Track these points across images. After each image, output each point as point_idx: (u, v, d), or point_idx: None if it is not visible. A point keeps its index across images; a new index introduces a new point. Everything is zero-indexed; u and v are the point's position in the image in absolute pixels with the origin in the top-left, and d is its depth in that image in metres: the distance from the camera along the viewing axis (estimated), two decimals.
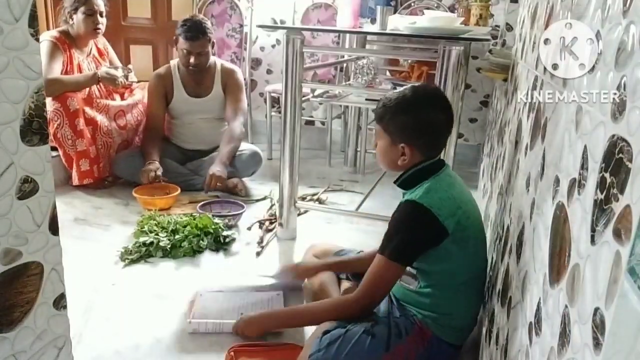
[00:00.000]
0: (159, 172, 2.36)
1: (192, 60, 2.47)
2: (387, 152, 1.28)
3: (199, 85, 2.60)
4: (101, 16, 2.50)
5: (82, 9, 2.42)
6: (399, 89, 1.29)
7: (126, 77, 2.58)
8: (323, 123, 3.47)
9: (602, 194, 0.51)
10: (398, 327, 1.23)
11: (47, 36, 2.39)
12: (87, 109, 2.43)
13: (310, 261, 1.63)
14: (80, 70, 2.50)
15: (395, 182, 1.31)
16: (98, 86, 2.59)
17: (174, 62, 2.61)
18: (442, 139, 1.28)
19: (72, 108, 2.35)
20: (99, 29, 2.51)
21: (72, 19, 2.44)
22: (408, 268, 1.26)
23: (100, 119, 2.50)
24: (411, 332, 1.22)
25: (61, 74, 2.41)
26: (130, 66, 2.66)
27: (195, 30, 2.42)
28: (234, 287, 1.61)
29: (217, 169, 2.32)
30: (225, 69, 2.63)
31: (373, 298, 1.23)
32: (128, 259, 1.82)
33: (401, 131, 1.25)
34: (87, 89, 2.50)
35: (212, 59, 2.61)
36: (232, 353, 1.29)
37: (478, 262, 1.29)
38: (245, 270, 1.80)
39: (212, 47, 2.56)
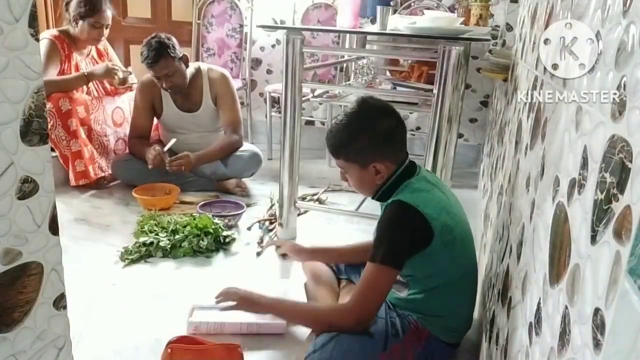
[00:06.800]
0: (165, 150, 2.37)
1: (163, 84, 2.37)
2: (362, 179, 1.29)
3: (187, 99, 2.50)
4: (106, 28, 2.50)
5: (90, 19, 2.41)
6: (336, 120, 1.30)
7: (125, 79, 2.57)
8: (323, 123, 3.47)
9: (602, 194, 0.51)
10: (395, 326, 1.23)
11: (47, 34, 2.39)
12: (80, 109, 2.41)
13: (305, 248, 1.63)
14: (77, 71, 2.49)
15: (373, 198, 1.32)
16: (96, 86, 2.59)
17: None
18: (401, 139, 1.29)
19: (64, 109, 2.34)
20: (101, 39, 2.53)
21: (77, 24, 2.43)
22: (398, 277, 1.26)
23: (94, 117, 2.48)
24: (408, 331, 1.23)
25: (58, 74, 2.41)
26: (129, 68, 2.65)
27: (153, 56, 2.28)
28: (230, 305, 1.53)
29: (191, 156, 2.35)
30: (213, 76, 2.51)
31: (368, 308, 1.19)
32: (128, 259, 1.82)
33: (363, 154, 1.25)
34: (85, 87, 2.49)
35: (196, 65, 2.51)
36: (169, 349, 1.25)
37: (466, 262, 1.28)
38: (244, 271, 1.80)
39: (184, 61, 2.41)
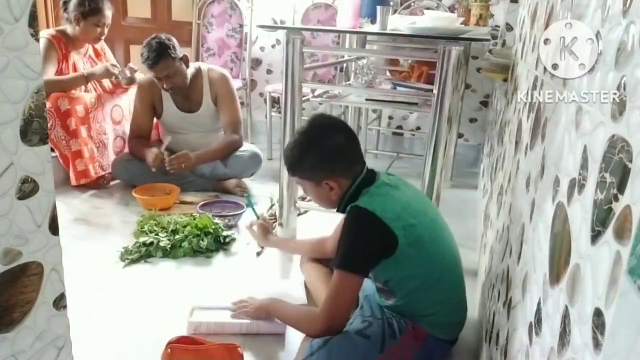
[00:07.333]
0: (162, 149, 2.38)
1: (164, 85, 2.38)
2: (318, 195, 1.32)
3: (187, 99, 2.51)
4: (106, 27, 2.51)
5: (92, 19, 2.42)
6: (291, 138, 1.33)
7: (133, 78, 2.58)
8: None
9: (602, 194, 0.51)
10: (392, 327, 1.23)
11: (45, 34, 2.39)
12: (79, 108, 2.40)
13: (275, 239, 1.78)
14: (75, 70, 2.50)
15: (337, 211, 1.33)
16: (94, 84, 2.59)
17: None
18: (354, 154, 1.29)
19: (63, 108, 2.34)
20: (101, 39, 2.54)
21: (78, 24, 2.43)
22: (380, 285, 1.26)
23: (93, 116, 2.48)
24: (405, 332, 1.22)
25: (56, 73, 2.41)
26: (131, 64, 2.66)
27: (153, 57, 2.28)
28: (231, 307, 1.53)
29: (191, 154, 2.35)
30: (213, 77, 2.51)
31: (336, 314, 1.19)
32: (128, 259, 1.82)
33: (314, 172, 1.28)
34: (83, 86, 2.49)
35: (196, 65, 2.51)
36: (169, 349, 1.26)
37: (443, 257, 1.26)
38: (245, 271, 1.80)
39: (185, 62, 2.41)
